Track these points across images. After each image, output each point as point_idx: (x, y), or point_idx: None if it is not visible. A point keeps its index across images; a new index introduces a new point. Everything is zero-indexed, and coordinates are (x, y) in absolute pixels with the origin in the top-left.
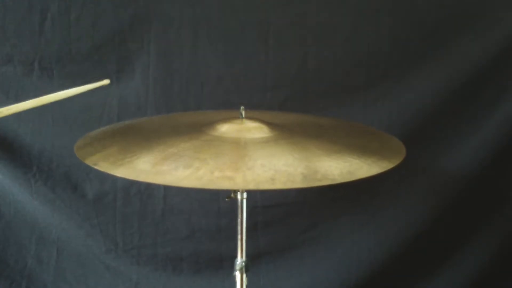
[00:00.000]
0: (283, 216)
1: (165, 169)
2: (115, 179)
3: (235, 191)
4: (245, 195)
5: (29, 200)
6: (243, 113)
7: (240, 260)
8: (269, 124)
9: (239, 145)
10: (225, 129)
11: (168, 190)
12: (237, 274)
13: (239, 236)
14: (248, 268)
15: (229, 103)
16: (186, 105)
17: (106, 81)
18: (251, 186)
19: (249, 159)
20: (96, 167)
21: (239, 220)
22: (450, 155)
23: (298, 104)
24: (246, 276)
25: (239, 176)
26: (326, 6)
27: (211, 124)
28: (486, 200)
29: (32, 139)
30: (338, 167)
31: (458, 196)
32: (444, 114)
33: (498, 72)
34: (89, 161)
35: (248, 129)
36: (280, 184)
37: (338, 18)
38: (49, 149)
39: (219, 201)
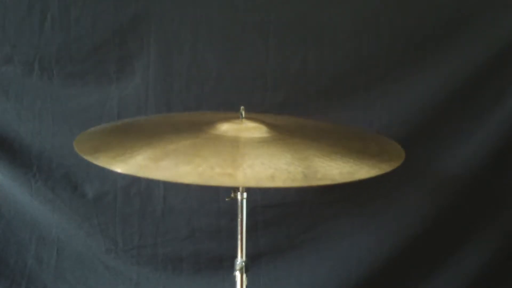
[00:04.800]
0: (283, 216)
1: (165, 165)
2: (115, 179)
3: (235, 191)
4: (245, 195)
5: (29, 200)
6: (243, 113)
7: (240, 260)
8: (268, 125)
9: (239, 144)
10: (225, 128)
11: (168, 190)
12: (237, 274)
13: (239, 236)
14: (248, 268)
15: (229, 103)
16: (186, 105)
17: None
18: (252, 183)
19: (249, 157)
20: (95, 162)
21: (239, 220)
22: (450, 155)
23: (298, 104)
24: (246, 276)
25: (240, 173)
26: (326, 6)
27: (211, 123)
28: (486, 200)
29: (32, 139)
30: (337, 168)
31: (458, 196)
32: (444, 114)
33: (498, 72)
34: (89, 156)
35: (248, 128)
36: (280, 182)
37: (338, 18)
38: (49, 149)
39: (219, 201)
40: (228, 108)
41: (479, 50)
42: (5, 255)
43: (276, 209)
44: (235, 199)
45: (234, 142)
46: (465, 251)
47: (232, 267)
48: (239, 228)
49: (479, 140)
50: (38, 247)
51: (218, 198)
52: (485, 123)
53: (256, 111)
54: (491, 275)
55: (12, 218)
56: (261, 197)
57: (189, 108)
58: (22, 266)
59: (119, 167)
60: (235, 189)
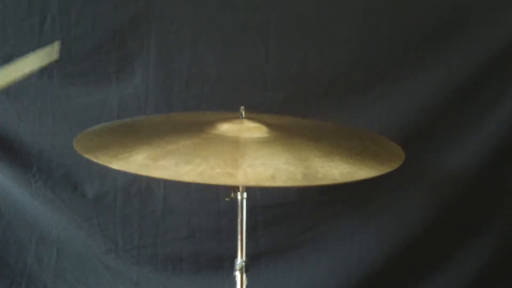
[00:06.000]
0: (283, 216)
1: (165, 164)
2: (115, 178)
3: (235, 191)
4: (245, 195)
5: (29, 200)
6: (243, 113)
7: (240, 260)
8: (268, 125)
9: (239, 144)
10: (226, 128)
11: (168, 190)
12: (237, 274)
13: (239, 236)
14: (248, 268)
15: (229, 103)
16: (186, 105)
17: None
18: (252, 183)
19: (250, 157)
20: (95, 160)
21: (239, 220)
22: (450, 155)
23: (298, 104)
24: (246, 276)
25: (240, 173)
26: (326, 6)
27: (212, 123)
28: (486, 200)
29: (32, 139)
30: (338, 168)
31: (458, 196)
32: (444, 114)
33: (498, 72)
34: (88, 155)
35: (248, 128)
36: (280, 181)
37: (338, 18)
38: (49, 149)
39: (219, 201)
40: (228, 108)
41: (479, 50)
42: (5, 255)
43: (276, 209)
44: (235, 199)
45: (234, 142)
46: (465, 251)
47: (232, 267)
48: (239, 228)
49: (479, 140)
50: (38, 247)
51: (218, 198)
52: (485, 123)
53: (256, 111)
54: (491, 275)
55: (12, 218)
56: (261, 197)
57: (189, 108)
58: (22, 266)
59: (119, 166)
60: (235, 189)
